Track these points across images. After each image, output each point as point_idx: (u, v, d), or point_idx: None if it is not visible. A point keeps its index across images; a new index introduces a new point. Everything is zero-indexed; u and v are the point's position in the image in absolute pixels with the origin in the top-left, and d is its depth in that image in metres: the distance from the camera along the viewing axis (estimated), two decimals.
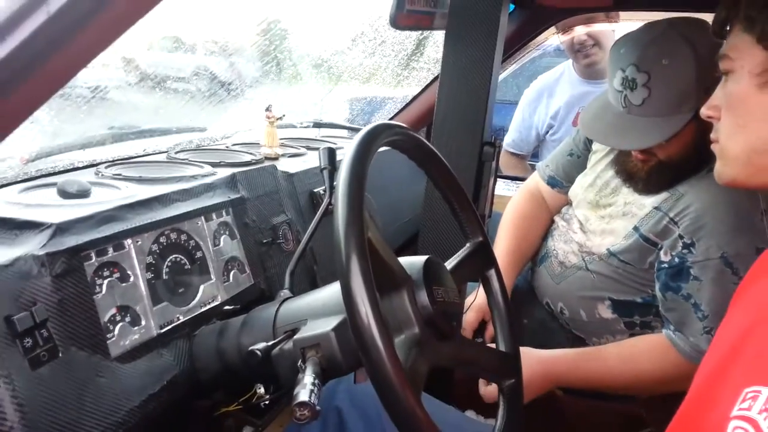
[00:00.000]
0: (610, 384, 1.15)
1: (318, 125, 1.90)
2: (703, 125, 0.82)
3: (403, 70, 1.94)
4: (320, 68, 1.92)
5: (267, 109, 1.35)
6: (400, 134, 0.75)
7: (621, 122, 1.13)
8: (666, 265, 1.12)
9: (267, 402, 0.89)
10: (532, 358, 1.15)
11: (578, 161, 1.44)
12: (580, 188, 1.37)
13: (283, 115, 1.38)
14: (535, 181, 1.54)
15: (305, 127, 1.88)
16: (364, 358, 0.56)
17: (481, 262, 0.89)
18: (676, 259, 1.10)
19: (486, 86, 1.14)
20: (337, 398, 0.94)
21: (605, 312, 1.24)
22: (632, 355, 1.14)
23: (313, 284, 1.19)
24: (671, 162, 1.13)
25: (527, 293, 1.45)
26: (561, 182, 1.47)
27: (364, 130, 0.69)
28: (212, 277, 0.95)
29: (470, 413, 1.22)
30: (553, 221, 1.45)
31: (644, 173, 1.17)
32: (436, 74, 1.72)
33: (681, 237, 1.10)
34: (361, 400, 0.93)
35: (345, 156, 0.65)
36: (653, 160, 1.15)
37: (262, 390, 0.86)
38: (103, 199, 0.87)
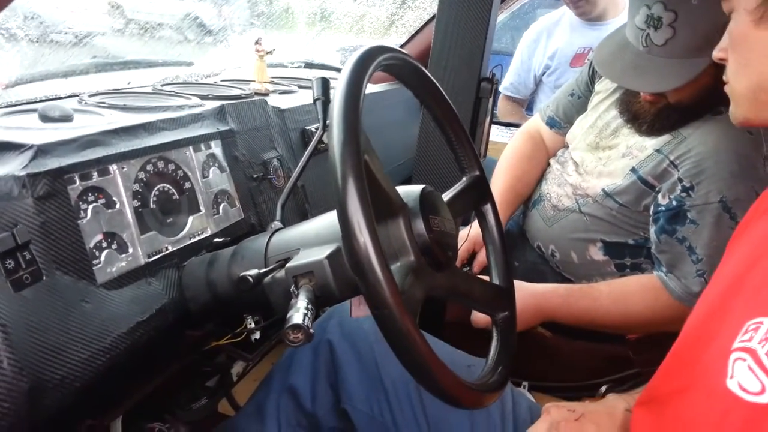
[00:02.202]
0: (599, 322, 1.15)
1: (309, 66, 1.85)
2: (720, 71, 0.79)
3: (398, 9, 1.87)
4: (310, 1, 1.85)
5: (256, 42, 1.30)
6: (397, 58, 0.72)
7: (639, 62, 1.09)
8: (663, 208, 1.11)
9: (257, 336, 0.88)
10: (525, 291, 1.15)
11: (579, 102, 1.41)
12: (579, 130, 1.35)
13: (273, 50, 1.33)
14: (535, 122, 1.52)
15: (296, 67, 1.83)
16: (359, 279, 0.54)
17: (477, 196, 0.87)
18: (674, 203, 1.09)
19: (485, 20, 1.10)
20: (329, 332, 0.93)
21: (596, 254, 1.24)
22: (623, 294, 1.14)
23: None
24: (679, 105, 1.10)
25: (518, 237, 1.45)
26: (560, 123, 1.44)
27: (360, 50, 0.66)
28: (201, 209, 0.92)
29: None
30: (548, 164, 1.43)
31: (650, 115, 1.14)
32: (433, 14, 1.67)
33: (680, 180, 1.08)
34: (353, 334, 0.92)
35: (340, 76, 0.62)
36: (662, 102, 1.12)
37: (252, 324, 0.86)
38: (86, 124, 0.83)
